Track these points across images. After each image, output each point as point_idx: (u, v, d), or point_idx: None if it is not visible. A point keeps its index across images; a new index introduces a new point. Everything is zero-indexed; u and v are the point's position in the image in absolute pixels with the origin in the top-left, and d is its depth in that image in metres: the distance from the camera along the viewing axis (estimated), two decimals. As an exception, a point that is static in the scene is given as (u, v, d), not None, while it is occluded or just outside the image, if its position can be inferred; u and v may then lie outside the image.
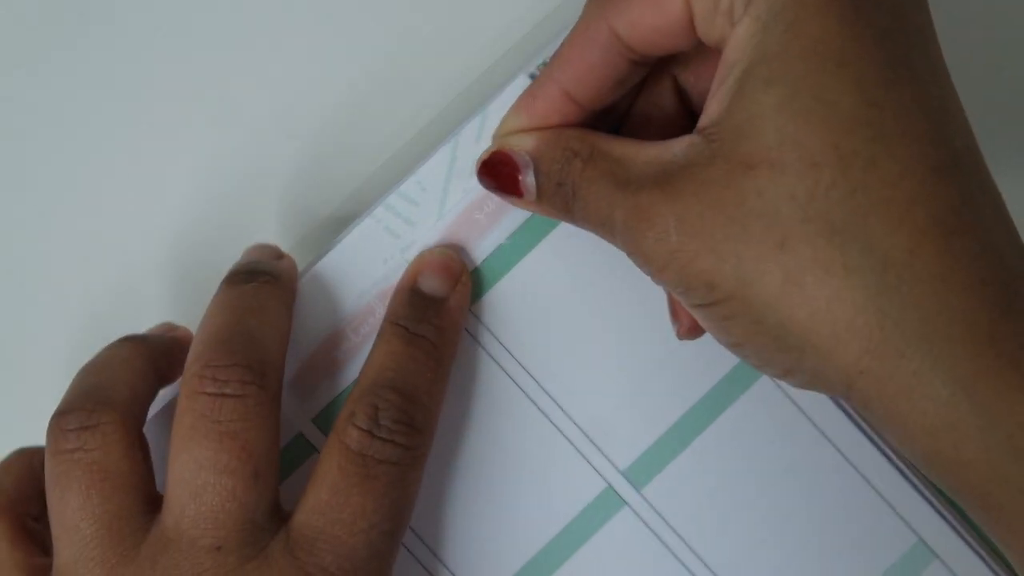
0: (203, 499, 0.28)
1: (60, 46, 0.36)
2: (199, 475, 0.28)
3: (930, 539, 0.33)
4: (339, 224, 0.35)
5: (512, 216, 0.33)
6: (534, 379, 0.34)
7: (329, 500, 0.29)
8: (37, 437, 0.29)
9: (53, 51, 0.37)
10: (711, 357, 0.33)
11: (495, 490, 0.34)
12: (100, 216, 0.37)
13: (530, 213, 0.33)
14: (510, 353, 0.33)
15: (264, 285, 0.31)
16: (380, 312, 0.33)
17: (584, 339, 0.33)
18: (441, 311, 0.32)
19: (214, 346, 0.29)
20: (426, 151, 0.34)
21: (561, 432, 0.34)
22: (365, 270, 0.33)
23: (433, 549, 0.34)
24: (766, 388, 0.33)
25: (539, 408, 0.34)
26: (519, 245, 0.33)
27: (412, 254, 0.33)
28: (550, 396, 0.33)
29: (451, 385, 0.33)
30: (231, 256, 0.35)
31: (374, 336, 0.33)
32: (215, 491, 0.28)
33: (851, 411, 0.33)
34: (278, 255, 0.34)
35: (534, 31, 0.35)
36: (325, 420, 0.34)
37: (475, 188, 0.33)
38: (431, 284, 0.32)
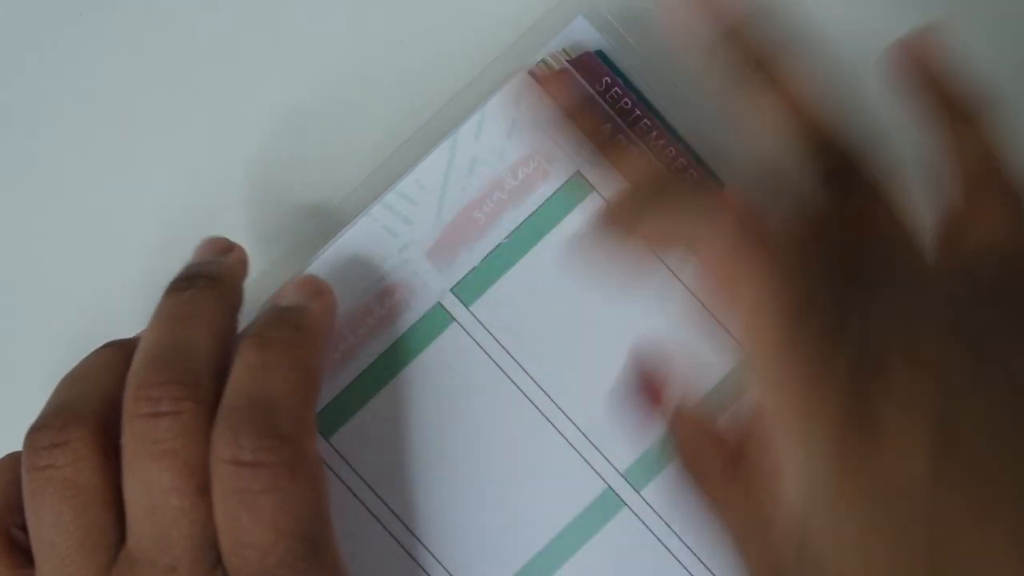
0: (154, 520, 0.28)
1: (52, 47, 0.36)
2: (146, 496, 0.28)
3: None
4: (336, 223, 0.35)
5: (511, 214, 0.33)
6: (533, 380, 0.33)
7: (227, 528, 0.28)
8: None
9: (47, 51, 0.36)
10: (710, 358, 0.33)
11: (493, 492, 0.33)
12: (94, 217, 0.36)
13: (530, 212, 0.33)
14: (508, 353, 0.33)
15: (201, 290, 0.30)
16: (378, 313, 0.33)
17: (584, 339, 0.33)
18: (300, 314, 0.31)
19: (147, 364, 0.29)
20: (425, 149, 0.34)
21: (560, 433, 0.33)
22: (362, 270, 0.33)
23: (431, 551, 0.33)
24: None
25: (538, 409, 0.33)
26: (519, 244, 0.33)
27: (411, 253, 0.33)
28: (549, 397, 0.33)
29: (449, 386, 0.33)
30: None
31: (371, 338, 0.32)
32: (164, 511, 0.28)
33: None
34: (227, 248, 0.33)
35: (534, 27, 0.35)
36: (322, 423, 0.33)
37: (474, 186, 0.32)
38: (289, 298, 0.32)
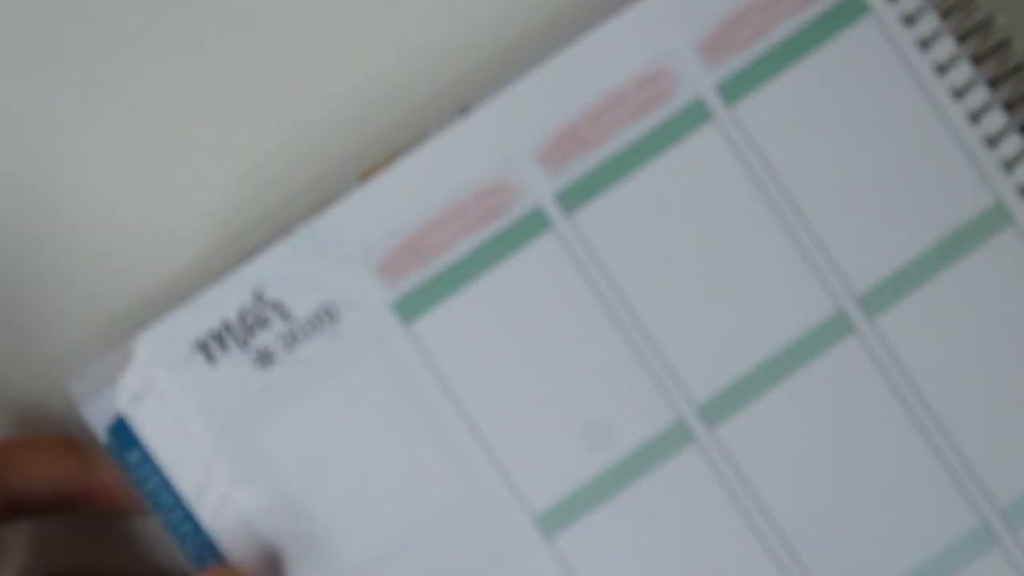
0: None
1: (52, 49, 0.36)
2: None
3: None
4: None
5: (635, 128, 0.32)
6: (632, 310, 0.32)
7: None
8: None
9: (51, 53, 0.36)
10: (803, 300, 0.32)
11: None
12: (98, 222, 0.36)
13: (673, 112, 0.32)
14: (610, 276, 0.32)
15: None
16: (472, 214, 0.32)
17: (697, 268, 0.32)
18: None
19: None
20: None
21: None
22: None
23: (495, 447, 0.32)
24: (865, 337, 0.32)
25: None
26: (637, 155, 0.32)
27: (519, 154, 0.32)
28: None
29: (538, 295, 0.32)
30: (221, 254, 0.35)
31: (462, 238, 0.31)
32: None
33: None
34: None
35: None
36: (402, 311, 0.32)
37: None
38: None
